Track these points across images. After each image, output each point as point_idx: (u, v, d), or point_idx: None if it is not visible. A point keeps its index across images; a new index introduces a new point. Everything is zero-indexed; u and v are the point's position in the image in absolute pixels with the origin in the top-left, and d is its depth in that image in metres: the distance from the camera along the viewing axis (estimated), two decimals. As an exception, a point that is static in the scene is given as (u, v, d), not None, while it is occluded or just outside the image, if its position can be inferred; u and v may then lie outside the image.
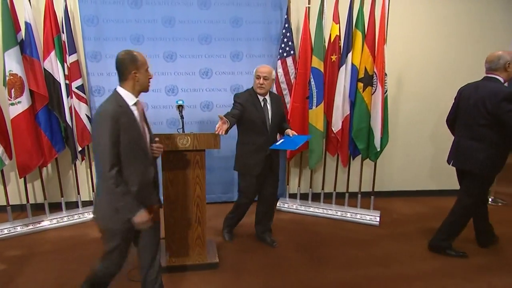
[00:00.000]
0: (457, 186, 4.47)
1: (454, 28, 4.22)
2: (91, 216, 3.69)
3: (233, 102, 2.94)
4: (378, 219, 3.67)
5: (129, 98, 1.86)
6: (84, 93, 3.55)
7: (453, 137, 3.14)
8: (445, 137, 4.47)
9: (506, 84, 2.78)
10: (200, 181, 2.69)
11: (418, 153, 4.47)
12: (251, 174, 2.96)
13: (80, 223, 3.59)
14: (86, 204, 3.87)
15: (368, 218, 3.69)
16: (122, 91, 1.86)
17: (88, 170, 3.86)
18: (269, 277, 2.64)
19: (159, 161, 2.42)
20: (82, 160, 3.71)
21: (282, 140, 2.85)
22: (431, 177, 4.58)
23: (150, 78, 1.98)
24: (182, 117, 2.77)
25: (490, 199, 4.49)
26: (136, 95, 1.90)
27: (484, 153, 2.75)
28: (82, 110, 3.53)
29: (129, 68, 1.83)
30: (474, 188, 2.90)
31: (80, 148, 3.57)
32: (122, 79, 1.87)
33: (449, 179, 4.62)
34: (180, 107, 2.77)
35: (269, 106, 2.93)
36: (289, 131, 2.90)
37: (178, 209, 2.67)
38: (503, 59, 2.72)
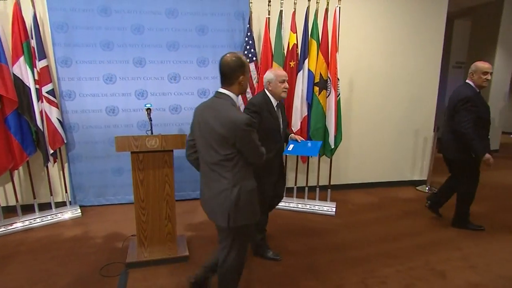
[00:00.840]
0: (403, 178, 4.86)
1: (396, 38, 4.58)
2: (65, 216, 3.68)
3: (246, 109, 2.55)
4: (334, 209, 3.90)
5: (235, 100, 1.84)
6: (55, 98, 3.54)
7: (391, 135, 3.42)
8: (391, 134, 4.86)
9: (477, 90, 3.18)
10: (169, 179, 2.77)
11: (369, 149, 4.78)
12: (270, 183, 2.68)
13: (53, 223, 3.57)
14: (59, 205, 3.86)
15: (325, 209, 3.91)
16: (231, 94, 1.82)
17: (61, 172, 3.83)
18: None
19: (128, 162, 2.50)
20: (54, 163, 3.69)
21: (292, 145, 2.73)
22: (381, 170, 4.90)
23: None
24: (150, 119, 2.87)
25: (427, 188, 4.87)
26: (237, 96, 1.88)
27: (456, 144, 3.21)
28: (53, 114, 3.51)
29: (237, 72, 1.79)
30: (458, 174, 3.37)
31: (51, 151, 3.55)
32: (229, 83, 1.81)
33: (396, 172, 5.00)
34: (148, 110, 2.86)
35: (280, 111, 2.67)
36: (294, 136, 2.79)
37: (149, 207, 2.75)
38: (471, 69, 3.20)
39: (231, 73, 1.78)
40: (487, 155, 3.08)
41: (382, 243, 3.20)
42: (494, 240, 3.27)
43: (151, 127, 2.85)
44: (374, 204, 4.27)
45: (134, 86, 3.89)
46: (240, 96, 2.15)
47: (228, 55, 1.79)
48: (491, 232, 3.45)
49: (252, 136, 1.73)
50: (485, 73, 3.10)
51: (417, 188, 4.94)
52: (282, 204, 4.04)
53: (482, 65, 3.12)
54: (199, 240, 3.22)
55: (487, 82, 3.13)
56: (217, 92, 1.84)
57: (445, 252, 3.03)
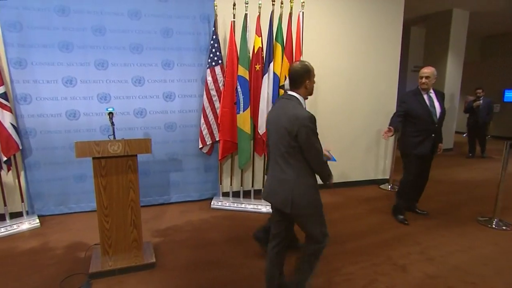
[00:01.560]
0: (367, 177, 5.00)
1: (358, 43, 4.75)
2: (21, 227, 3.44)
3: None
4: (301, 210, 3.94)
5: (302, 101, 2.06)
6: (8, 101, 3.31)
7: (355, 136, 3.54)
8: (354, 135, 5.00)
9: (421, 91, 3.56)
10: (134, 185, 2.68)
11: (334, 150, 4.85)
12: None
13: (8, 236, 3.32)
14: (15, 215, 3.60)
15: (293, 210, 3.94)
16: (298, 96, 2.06)
17: (16, 180, 3.59)
18: (204, 272, 2.71)
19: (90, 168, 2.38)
20: (8, 171, 3.45)
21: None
22: (346, 170, 5.03)
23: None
24: (112, 124, 2.76)
25: (389, 186, 5.06)
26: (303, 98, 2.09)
27: (401, 138, 3.72)
28: (6, 118, 3.29)
29: (303, 78, 2.02)
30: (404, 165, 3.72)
31: (5, 158, 3.32)
32: (296, 86, 2.06)
33: (360, 172, 5.14)
34: (110, 115, 2.75)
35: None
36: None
37: (113, 214, 2.64)
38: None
39: (299, 77, 2.03)
40: (387, 128, 3.52)
41: (347, 241, 3.27)
42: (449, 234, 3.45)
43: (114, 132, 2.74)
44: (339, 204, 4.37)
45: (96, 90, 3.73)
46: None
47: (296, 62, 2.09)
48: (447, 226, 3.64)
49: (313, 135, 1.94)
50: (420, 77, 3.54)
51: (381, 186, 5.12)
52: (249, 207, 4.03)
53: (420, 70, 3.58)
54: (167, 245, 3.13)
55: (424, 85, 3.50)
56: (287, 94, 2.08)
57: (405, 247, 3.15)
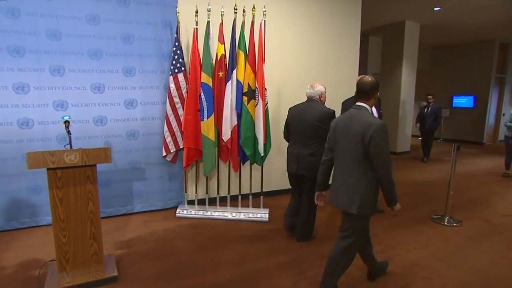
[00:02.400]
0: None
1: (320, 52, 4.90)
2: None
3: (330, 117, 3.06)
4: (267, 216, 3.96)
5: (370, 110, 2.23)
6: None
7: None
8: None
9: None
10: (93, 196, 2.56)
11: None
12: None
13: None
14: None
15: (259, 216, 3.95)
16: (367, 106, 2.22)
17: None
18: (168, 282, 2.64)
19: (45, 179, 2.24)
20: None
21: None
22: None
23: None
24: (69, 132, 2.63)
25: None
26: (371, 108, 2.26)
27: None
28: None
29: (375, 91, 2.22)
30: None
31: None
32: (367, 98, 2.22)
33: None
34: (66, 123, 2.62)
35: None
36: None
37: (70, 227, 2.50)
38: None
39: (371, 90, 2.21)
40: None
41: (312, 244, 3.32)
42: (407, 232, 3.62)
43: (70, 141, 2.61)
44: (305, 207, 4.42)
45: (51, 97, 3.54)
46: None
47: (366, 77, 2.27)
48: (405, 225, 3.80)
49: (384, 141, 2.05)
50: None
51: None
52: (216, 214, 3.99)
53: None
54: (130, 257, 3.02)
55: None
56: (356, 105, 2.24)
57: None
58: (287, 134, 3.33)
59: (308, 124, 3.04)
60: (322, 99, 3.19)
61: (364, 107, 2.21)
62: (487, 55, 10.39)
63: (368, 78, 2.25)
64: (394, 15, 7.68)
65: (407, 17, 7.87)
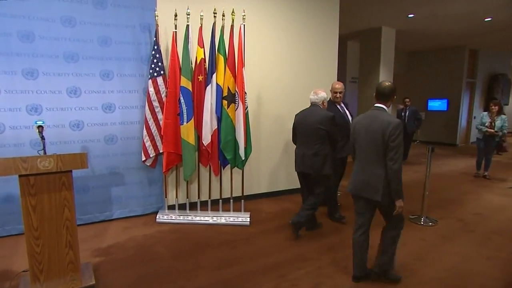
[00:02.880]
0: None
1: (299, 57, 4.96)
2: None
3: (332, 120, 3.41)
4: (248, 219, 3.95)
5: (387, 111, 2.52)
6: None
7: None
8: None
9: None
10: (69, 203, 2.48)
11: (279, 159, 5.00)
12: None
13: None
14: None
15: (240, 220, 3.93)
16: (385, 107, 2.51)
17: None
18: (146, 288, 2.58)
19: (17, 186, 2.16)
20: None
21: None
22: (292, 177, 5.13)
23: None
24: (42, 138, 2.54)
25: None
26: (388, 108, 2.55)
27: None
28: None
29: (392, 94, 2.51)
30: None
31: None
32: (385, 100, 2.52)
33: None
34: (39, 128, 2.53)
35: None
36: None
37: (44, 236, 2.40)
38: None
39: (389, 94, 2.50)
40: None
41: (293, 247, 3.33)
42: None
43: (44, 147, 2.52)
44: (286, 210, 4.44)
45: (24, 101, 3.41)
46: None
47: (386, 82, 2.54)
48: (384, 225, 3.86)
49: (400, 137, 2.35)
50: (335, 92, 3.97)
51: (323, 191, 5.30)
52: (197, 219, 3.94)
53: (334, 85, 4.02)
54: (108, 265, 2.94)
55: (338, 98, 3.97)
56: (375, 106, 2.52)
57: (347, 249, 3.25)
58: (294, 137, 3.65)
59: (311, 127, 3.37)
60: (324, 104, 3.52)
61: (383, 107, 2.51)
62: (458, 60, 10.81)
63: (387, 83, 2.53)
64: (371, 21, 7.87)
65: (383, 23, 8.08)
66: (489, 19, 7.54)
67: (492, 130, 6.08)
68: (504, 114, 6.25)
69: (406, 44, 10.48)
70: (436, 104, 11.46)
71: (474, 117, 11.26)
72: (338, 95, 3.96)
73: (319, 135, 3.35)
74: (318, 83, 5.12)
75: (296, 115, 3.60)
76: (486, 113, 6.32)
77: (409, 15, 7.28)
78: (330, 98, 4.00)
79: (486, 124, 6.16)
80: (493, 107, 6.18)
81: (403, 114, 7.90)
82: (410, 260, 3.07)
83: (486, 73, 11.91)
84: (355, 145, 2.61)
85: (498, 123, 6.08)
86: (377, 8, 6.84)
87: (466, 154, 9.22)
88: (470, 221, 4.10)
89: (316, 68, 5.12)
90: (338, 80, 5.41)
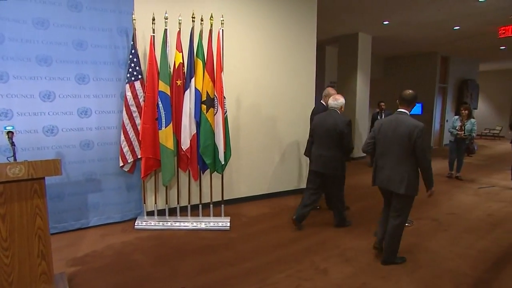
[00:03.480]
0: (292, 187, 5.16)
1: (278, 62, 5.00)
2: None
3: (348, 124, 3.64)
4: (229, 224, 3.92)
5: (409, 115, 2.93)
6: None
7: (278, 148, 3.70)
8: (278, 147, 5.18)
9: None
10: (41, 211, 2.37)
11: (259, 163, 5.00)
12: None
13: None
14: None
15: (220, 224, 3.90)
16: (407, 112, 2.93)
17: None
18: (123, 297, 2.51)
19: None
20: None
21: None
22: (272, 181, 5.17)
23: None
24: (13, 144, 2.43)
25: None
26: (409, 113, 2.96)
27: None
28: None
29: (414, 101, 2.94)
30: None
31: None
32: (408, 105, 2.94)
33: (286, 182, 5.32)
34: (9, 134, 2.42)
35: None
36: None
37: (14, 246, 2.28)
38: (324, 93, 4.37)
39: (412, 100, 2.93)
40: None
41: (274, 251, 3.33)
42: (364, 234, 3.74)
43: (14, 153, 2.41)
44: (266, 214, 4.44)
45: (-8, 105, 3.26)
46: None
47: (409, 91, 2.95)
48: (363, 228, 3.93)
49: (424, 138, 2.74)
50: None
51: (303, 194, 5.34)
52: (176, 225, 3.88)
53: (331, 91, 4.25)
54: (84, 274, 2.84)
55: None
56: (399, 111, 2.94)
57: (326, 251, 3.32)
58: (311, 138, 3.94)
59: (329, 130, 3.62)
60: (342, 109, 3.76)
61: (405, 112, 2.91)
62: (431, 66, 11.21)
63: (410, 91, 2.96)
64: (348, 27, 8.05)
65: (360, 29, 8.27)
66: (458, 27, 7.88)
67: (462, 133, 6.31)
68: (473, 118, 6.51)
69: (382, 50, 10.78)
70: (415, 110, 11.80)
71: (447, 121, 11.68)
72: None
73: (336, 138, 3.59)
74: (296, 87, 5.20)
75: (314, 118, 3.89)
76: (457, 117, 6.56)
77: (384, 22, 7.49)
78: (323, 102, 4.32)
79: (457, 128, 6.40)
80: (463, 111, 6.43)
81: (378, 117, 8.07)
82: (387, 261, 3.12)
83: (457, 79, 12.40)
84: (378, 145, 3.00)
85: (467, 126, 6.32)
86: (354, 15, 7.00)
87: (439, 156, 9.52)
88: (444, 220, 4.23)
89: (295, 72, 5.17)
90: (316, 84, 5.53)
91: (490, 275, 2.90)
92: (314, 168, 3.77)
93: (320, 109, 4.17)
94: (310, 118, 4.34)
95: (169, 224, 3.88)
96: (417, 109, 11.61)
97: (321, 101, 4.36)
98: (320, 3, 5.43)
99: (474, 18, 7.10)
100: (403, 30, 8.16)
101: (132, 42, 3.65)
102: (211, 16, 3.76)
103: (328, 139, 3.62)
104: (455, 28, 7.92)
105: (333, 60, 9.89)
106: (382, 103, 7.98)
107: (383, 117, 7.95)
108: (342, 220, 3.91)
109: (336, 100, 3.71)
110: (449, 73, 11.87)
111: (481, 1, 6.00)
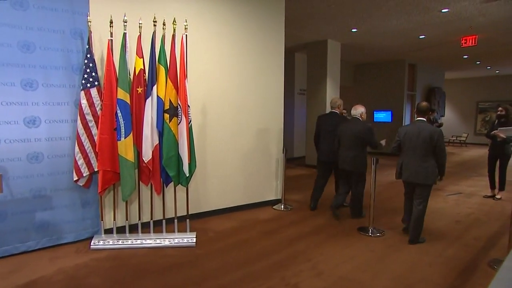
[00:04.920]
0: (261, 199, 5.17)
1: (245, 69, 5.04)
2: None
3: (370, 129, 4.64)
4: (194, 240, 3.84)
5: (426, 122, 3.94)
6: None
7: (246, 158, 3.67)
8: (246, 158, 5.18)
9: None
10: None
11: (227, 174, 4.97)
12: None
13: None
14: None
15: (185, 241, 3.81)
16: (425, 119, 3.93)
17: None
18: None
19: None
20: None
21: None
22: (241, 193, 5.15)
23: None
24: None
25: (282, 206, 5.36)
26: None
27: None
28: None
29: (428, 111, 3.97)
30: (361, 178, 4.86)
31: None
32: (424, 114, 3.94)
33: (255, 194, 5.32)
34: None
35: None
36: None
37: None
38: (338, 103, 5.35)
39: (426, 110, 3.95)
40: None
41: (242, 267, 3.29)
42: (335, 246, 3.80)
43: None
44: (235, 228, 4.41)
45: None
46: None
47: (423, 102, 3.97)
48: (334, 239, 4.00)
49: (443, 140, 3.75)
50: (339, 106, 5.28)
51: (274, 207, 5.37)
52: (137, 243, 3.75)
53: (337, 101, 5.23)
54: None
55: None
56: (418, 120, 3.90)
57: (297, 265, 3.33)
58: (337, 144, 4.77)
59: (353, 135, 4.55)
60: (363, 116, 4.67)
61: (424, 120, 3.90)
62: (400, 74, 11.79)
63: (424, 103, 3.96)
64: (317, 34, 8.29)
65: (329, 36, 8.54)
66: (423, 36, 8.36)
67: None
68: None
69: (352, 57, 11.20)
70: (382, 116, 12.30)
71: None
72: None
73: (358, 141, 4.52)
74: (265, 95, 5.26)
75: (340, 126, 4.76)
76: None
77: (353, 30, 7.80)
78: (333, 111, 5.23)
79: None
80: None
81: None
82: (358, 273, 3.19)
83: (424, 86, 13.12)
84: (404, 147, 3.90)
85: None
86: (322, 22, 7.23)
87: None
88: (414, 229, 4.39)
89: (263, 79, 5.23)
90: (285, 92, 5.65)
91: (460, 282, 3.03)
92: (341, 167, 4.70)
93: (323, 116, 5.44)
94: (316, 123, 5.40)
95: (129, 242, 3.74)
96: (387, 117, 12.11)
97: (332, 110, 5.28)
98: (288, 10, 5.57)
99: (438, 28, 7.57)
100: (371, 37, 8.54)
101: (87, 46, 3.52)
102: (174, 21, 3.72)
103: (353, 142, 4.54)
104: (420, 37, 8.40)
105: (302, 67, 10.13)
106: (344, 110, 8.12)
107: None
108: (360, 211, 4.82)
109: (355, 110, 4.66)
110: (417, 81, 12.53)
111: (443, 12, 6.41)
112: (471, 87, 16.61)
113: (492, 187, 6.15)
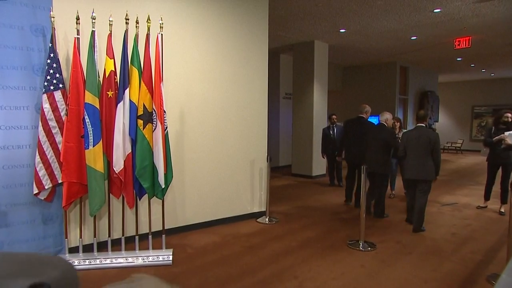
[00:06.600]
0: (244, 211, 5.18)
1: (226, 73, 5.10)
2: None
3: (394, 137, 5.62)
4: (171, 257, 3.81)
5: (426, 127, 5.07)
6: None
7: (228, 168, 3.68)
8: (227, 167, 5.19)
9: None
10: None
11: (207, 185, 4.97)
12: None
13: None
14: None
15: (161, 258, 3.78)
16: (424, 125, 4.98)
17: None
18: None
19: None
20: None
21: None
22: (222, 206, 5.15)
23: None
24: None
25: (267, 219, 5.39)
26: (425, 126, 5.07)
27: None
28: None
29: (426, 118, 5.10)
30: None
31: None
32: (423, 120, 5.00)
33: (237, 206, 5.34)
34: None
35: None
36: None
37: None
38: (366, 109, 6.53)
39: (424, 117, 5.03)
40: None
41: (224, 285, 3.30)
42: (324, 262, 3.85)
43: None
44: (216, 244, 4.41)
45: None
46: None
47: (422, 110, 5.54)
48: (322, 254, 4.05)
49: (439, 143, 4.81)
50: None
51: (258, 220, 5.39)
52: (107, 262, 3.69)
53: (367, 107, 6.38)
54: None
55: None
56: (418, 125, 4.95)
57: (284, 283, 3.36)
58: (366, 148, 5.65)
59: (379, 140, 5.44)
60: (388, 122, 5.59)
61: (423, 126, 4.92)
62: (391, 77, 12.10)
63: (422, 111, 5.17)
64: (304, 35, 8.44)
65: (316, 37, 8.72)
66: (415, 38, 8.64)
67: None
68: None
69: (340, 59, 11.43)
70: (373, 121, 12.54)
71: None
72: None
73: (384, 146, 5.40)
74: (248, 100, 5.31)
75: (369, 132, 5.73)
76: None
77: (341, 30, 7.98)
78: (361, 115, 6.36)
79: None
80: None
81: (331, 132, 8.03)
82: (349, 290, 3.24)
83: (417, 90, 13.49)
84: (408, 148, 4.90)
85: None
86: (309, 22, 7.38)
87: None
88: (408, 242, 4.49)
89: (246, 83, 5.29)
90: (269, 96, 5.71)
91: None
92: (370, 170, 5.15)
93: (350, 121, 6.67)
94: (344, 126, 6.89)
95: (98, 261, 3.68)
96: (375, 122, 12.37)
97: (360, 115, 6.39)
98: (272, 9, 5.67)
99: (431, 29, 7.85)
100: (361, 38, 8.76)
101: (50, 44, 3.48)
102: (148, 18, 3.73)
103: (379, 146, 5.42)
104: (412, 38, 8.67)
105: (288, 70, 10.25)
106: (334, 116, 8.14)
107: (335, 131, 7.97)
108: (382, 211, 5.62)
109: (382, 116, 5.60)
110: (409, 84, 12.88)
111: (435, 12, 6.66)
112: (466, 91, 17.16)
113: (487, 198, 6.23)
